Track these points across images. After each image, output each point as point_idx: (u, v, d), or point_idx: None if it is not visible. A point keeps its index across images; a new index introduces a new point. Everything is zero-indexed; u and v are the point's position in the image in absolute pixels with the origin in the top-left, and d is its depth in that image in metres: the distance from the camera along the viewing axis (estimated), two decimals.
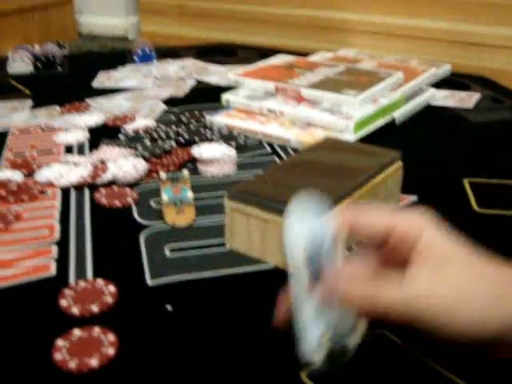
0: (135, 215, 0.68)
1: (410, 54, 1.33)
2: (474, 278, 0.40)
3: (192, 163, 0.80)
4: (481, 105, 1.08)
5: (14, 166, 0.80)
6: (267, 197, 0.57)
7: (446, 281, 0.39)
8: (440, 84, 1.17)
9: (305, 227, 0.41)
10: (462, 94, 1.12)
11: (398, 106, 0.98)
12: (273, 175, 0.63)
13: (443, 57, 1.31)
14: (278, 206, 0.56)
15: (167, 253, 0.60)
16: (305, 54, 1.26)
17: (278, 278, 0.56)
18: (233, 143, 0.85)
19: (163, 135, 0.87)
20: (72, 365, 0.45)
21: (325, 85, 0.97)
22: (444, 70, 1.21)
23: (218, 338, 0.49)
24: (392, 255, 0.42)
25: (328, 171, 0.63)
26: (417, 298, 0.38)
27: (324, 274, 0.40)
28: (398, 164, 0.67)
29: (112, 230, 0.65)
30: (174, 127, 0.89)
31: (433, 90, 1.09)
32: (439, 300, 0.38)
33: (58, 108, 1.03)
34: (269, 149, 0.87)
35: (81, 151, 0.86)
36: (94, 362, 0.45)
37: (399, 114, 0.96)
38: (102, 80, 1.20)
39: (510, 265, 0.41)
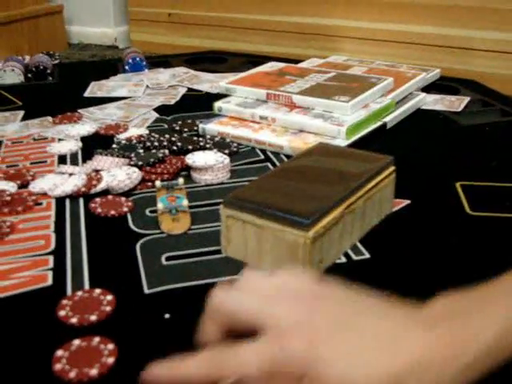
0: (130, 224, 0.68)
1: (400, 59, 1.34)
2: None
3: (186, 171, 0.81)
4: (470, 108, 1.09)
5: (8, 177, 0.80)
6: (262, 203, 0.58)
7: None
8: (430, 88, 1.18)
9: None
10: (452, 97, 1.13)
11: (388, 111, 0.98)
12: (267, 181, 0.63)
13: (432, 62, 1.32)
14: (273, 212, 0.56)
15: (163, 261, 0.61)
16: (295, 61, 1.26)
17: None
18: (226, 150, 0.85)
19: (156, 144, 0.87)
20: (72, 375, 0.45)
21: (316, 91, 0.98)
22: (433, 74, 1.22)
23: None
24: None
25: (322, 177, 0.64)
26: None
27: None
28: (392, 169, 0.67)
29: (108, 239, 0.65)
30: (166, 135, 0.90)
31: (423, 95, 1.10)
32: None
33: (50, 118, 1.03)
34: (262, 155, 0.87)
35: (74, 161, 0.86)
36: (93, 372, 0.45)
37: (390, 119, 0.97)
38: (93, 90, 1.20)
39: None
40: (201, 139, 0.89)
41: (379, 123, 0.95)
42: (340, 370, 0.35)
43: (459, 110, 1.07)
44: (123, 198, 0.73)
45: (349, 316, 0.38)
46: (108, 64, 1.48)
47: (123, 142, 0.88)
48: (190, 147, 0.86)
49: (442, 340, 0.36)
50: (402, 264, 0.60)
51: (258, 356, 0.37)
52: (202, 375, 0.38)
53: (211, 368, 0.38)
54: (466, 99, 1.12)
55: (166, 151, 0.83)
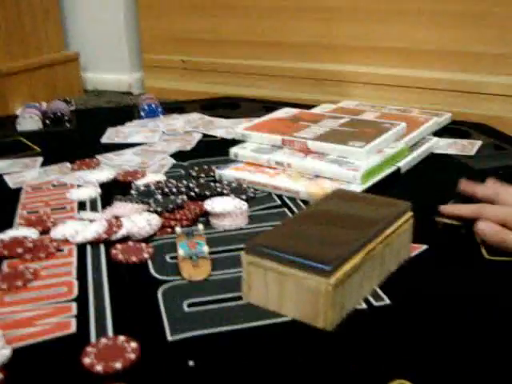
0: (151, 270, 0.69)
1: (411, 103, 1.36)
2: None
3: (204, 217, 0.82)
4: (483, 152, 1.10)
5: (29, 223, 0.81)
6: (284, 250, 0.58)
7: None
8: (442, 132, 1.20)
9: None
10: (464, 141, 1.15)
11: (402, 156, 1.00)
12: (288, 228, 0.64)
13: (443, 106, 1.34)
14: (294, 259, 0.57)
15: (185, 308, 0.61)
16: (307, 106, 1.29)
17: (295, 331, 0.57)
18: (243, 196, 0.87)
19: (174, 190, 0.88)
20: None
21: (330, 136, 0.99)
22: (445, 118, 1.24)
23: None
24: None
25: (341, 222, 0.64)
26: None
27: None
28: (409, 214, 0.68)
29: (130, 285, 0.66)
30: (184, 181, 0.91)
31: (435, 139, 1.11)
32: None
33: (68, 164, 1.05)
34: (278, 201, 0.88)
35: (94, 207, 0.87)
36: None
37: (404, 164, 0.98)
38: (110, 136, 1.23)
39: None
40: (218, 185, 0.91)
41: (393, 168, 0.96)
42: None
43: (472, 153, 1.08)
44: (143, 244, 0.74)
45: None
46: (124, 110, 1.51)
47: (142, 188, 0.90)
48: (208, 193, 0.88)
49: None
50: (423, 310, 0.60)
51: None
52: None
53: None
54: (478, 143, 1.13)
55: (185, 197, 0.85)
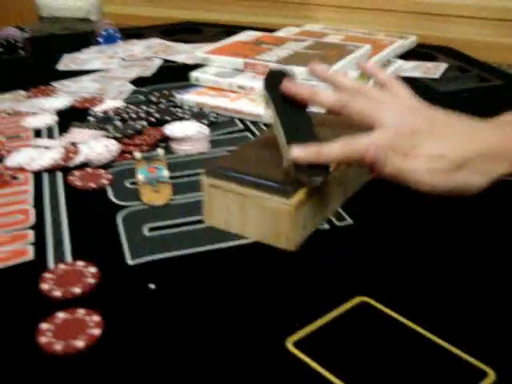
0: (111, 196, 0.67)
1: (376, 26, 1.34)
2: None
3: (165, 142, 0.80)
4: (448, 74, 1.09)
5: None
6: (245, 172, 0.57)
7: None
8: (407, 55, 1.18)
9: None
10: (429, 64, 1.13)
11: (366, 78, 0.98)
12: (249, 150, 0.63)
13: (408, 29, 1.32)
14: (255, 181, 0.56)
15: (146, 232, 0.60)
16: (271, 30, 1.25)
17: (257, 252, 0.57)
18: (204, 121, 0.85)
19: (134, 115, 0.86)
20: (58, 347, 0.44)
21: (294, 59, 0.97)
22: (410, 41, 1.22)
23: (201, 313, 0.49)
24: None
25: None
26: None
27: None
28: None
29: (88, 212, 0.65)
30: (144, 107, 0.89)
31: (400, 62, 1.10)
32: None
33: (23, 92, 1.01)
34: (241, 125, 0.86)
35: (50, 135, 0.84)
36: (80, 344, 0.45)
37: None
38: (66, 63, 1.18)
39: None
40: (179, 110, 0.88)
41: None
42: (435, 143, 0.53)
43: (436, 76, 1.07)
44: (102, 171, 0.72)
45: (444, 119, 0.57)
46: (80, 36, 1.45)
47: (100, 114, 0.87)
48: (169, 118, 0.85)
49: (508, 136, 0.54)
50: (385, 230, 0.60)
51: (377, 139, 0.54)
52: (340, 154, 0.55)
53: (346, 147, 0.55)
54: (444, 65, 1.12)
55: (145, 123, 0.82)
